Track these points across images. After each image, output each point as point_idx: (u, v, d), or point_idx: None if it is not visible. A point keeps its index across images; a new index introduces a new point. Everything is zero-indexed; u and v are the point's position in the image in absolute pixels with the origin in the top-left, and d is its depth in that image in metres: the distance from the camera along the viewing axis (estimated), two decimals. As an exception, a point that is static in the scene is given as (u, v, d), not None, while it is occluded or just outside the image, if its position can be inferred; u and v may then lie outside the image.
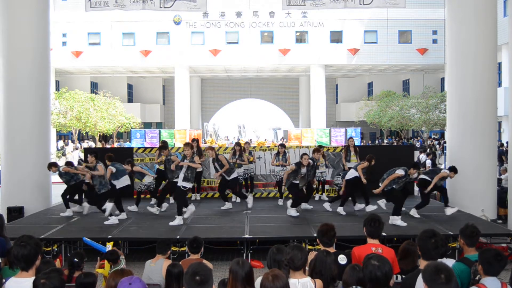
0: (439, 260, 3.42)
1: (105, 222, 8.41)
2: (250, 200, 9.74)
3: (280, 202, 10.61)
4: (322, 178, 10.94)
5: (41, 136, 10.59)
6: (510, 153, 9.55)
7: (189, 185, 8.50)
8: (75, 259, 4.52)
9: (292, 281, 3.34)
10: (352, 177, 9.06)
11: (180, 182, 8.37)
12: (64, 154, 24.30)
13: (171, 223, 8.33)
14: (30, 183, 10.22)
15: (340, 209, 9.15)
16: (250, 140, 14.23)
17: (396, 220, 8.13)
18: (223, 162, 9.39)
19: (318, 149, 10.00)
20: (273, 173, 11.55)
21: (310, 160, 9.04)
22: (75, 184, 9.41)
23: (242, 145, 10.92)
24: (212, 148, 9.76)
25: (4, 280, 3.38)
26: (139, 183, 10.05)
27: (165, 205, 9.81)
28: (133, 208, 9.71)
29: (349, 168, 9.68)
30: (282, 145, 10.61)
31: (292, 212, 9.04)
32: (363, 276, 3.22)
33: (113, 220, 8.49)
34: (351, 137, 11.02)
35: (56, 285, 3.00)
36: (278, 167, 10.57)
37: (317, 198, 10.95)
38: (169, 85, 34.54)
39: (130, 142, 26.42)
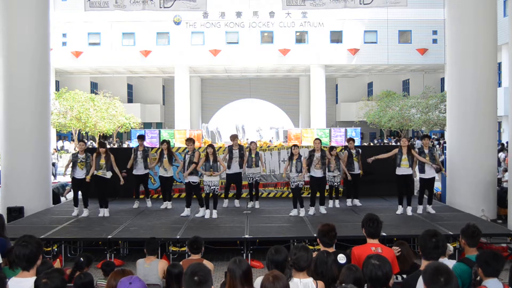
0: (440, 260, 3.43)
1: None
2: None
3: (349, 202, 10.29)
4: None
5: (41, 136, 10.57)
6: (510, 153, 9.54)
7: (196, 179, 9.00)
8: (81, 259, 4.54)
9: (294, 280, 3.34)
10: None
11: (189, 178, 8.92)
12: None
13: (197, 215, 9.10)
14: (30, 183, 10.20)
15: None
16: (247, 139, 14.03)
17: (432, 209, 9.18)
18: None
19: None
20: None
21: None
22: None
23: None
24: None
25: (6, 280, 3.39)
26: None
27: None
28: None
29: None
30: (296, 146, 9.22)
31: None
32: (363, 275, 3.22)
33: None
34: (405, 137, 10.10)
35: (57, 285, 3.02)
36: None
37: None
38: (169, 85, 34.52)
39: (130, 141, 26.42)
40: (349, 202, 10.36)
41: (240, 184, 10.39)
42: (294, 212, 9.16)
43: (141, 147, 10.15)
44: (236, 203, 10.36)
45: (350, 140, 10.35)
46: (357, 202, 10.27)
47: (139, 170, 10.11)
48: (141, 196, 10.87)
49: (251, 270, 3.21)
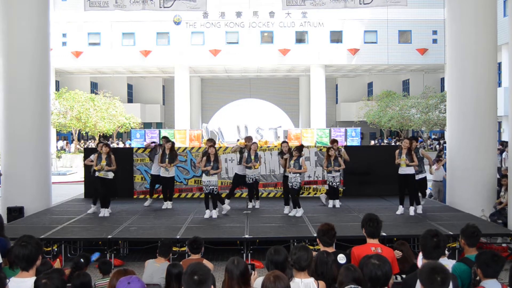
0: (440, 260, 3.43)
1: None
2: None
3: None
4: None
5: (41, 136, 10.56)
6: (510, 153, 9.54)
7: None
8: (81, 259, 4.54)
9: (295, 280, 3.34)
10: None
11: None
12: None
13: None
14: (30, 183, 10.19)
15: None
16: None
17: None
18: None
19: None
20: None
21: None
22: None
23: (244, 144, 10.18)
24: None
25: (7, 280, 3.39)
26: None
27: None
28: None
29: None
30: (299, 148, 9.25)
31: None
32: (363, 275, 3.21)
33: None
34: (406, 138, 9.74)
35: (57, 285, 3.02)
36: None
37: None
38: (169, 85, 34.53)
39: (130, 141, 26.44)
40: (330, 203, 10.14)
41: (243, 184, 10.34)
42: (293, 211, 9.19)
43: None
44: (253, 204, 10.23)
45: (334, 141, 10.47)
46: (337, 202, 10.09)
47: (153, 170, 10.51)
48: (154, 196, 10.82)
49: (249, 270, 3.20)
